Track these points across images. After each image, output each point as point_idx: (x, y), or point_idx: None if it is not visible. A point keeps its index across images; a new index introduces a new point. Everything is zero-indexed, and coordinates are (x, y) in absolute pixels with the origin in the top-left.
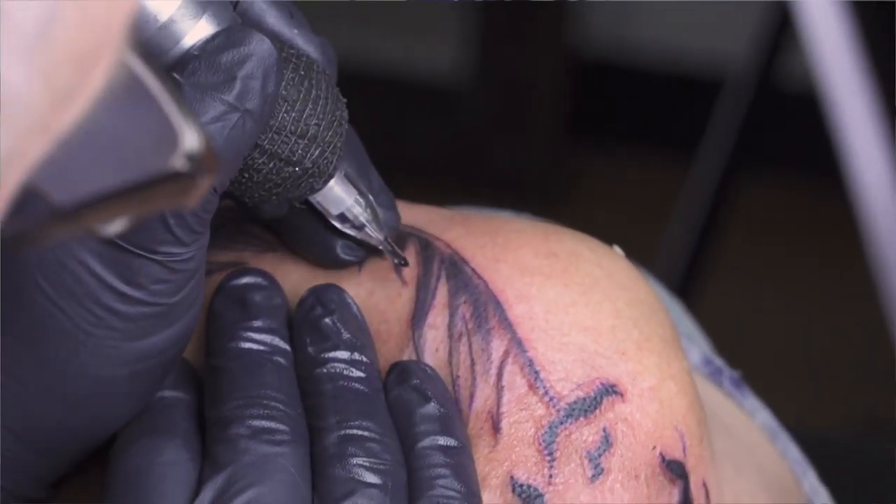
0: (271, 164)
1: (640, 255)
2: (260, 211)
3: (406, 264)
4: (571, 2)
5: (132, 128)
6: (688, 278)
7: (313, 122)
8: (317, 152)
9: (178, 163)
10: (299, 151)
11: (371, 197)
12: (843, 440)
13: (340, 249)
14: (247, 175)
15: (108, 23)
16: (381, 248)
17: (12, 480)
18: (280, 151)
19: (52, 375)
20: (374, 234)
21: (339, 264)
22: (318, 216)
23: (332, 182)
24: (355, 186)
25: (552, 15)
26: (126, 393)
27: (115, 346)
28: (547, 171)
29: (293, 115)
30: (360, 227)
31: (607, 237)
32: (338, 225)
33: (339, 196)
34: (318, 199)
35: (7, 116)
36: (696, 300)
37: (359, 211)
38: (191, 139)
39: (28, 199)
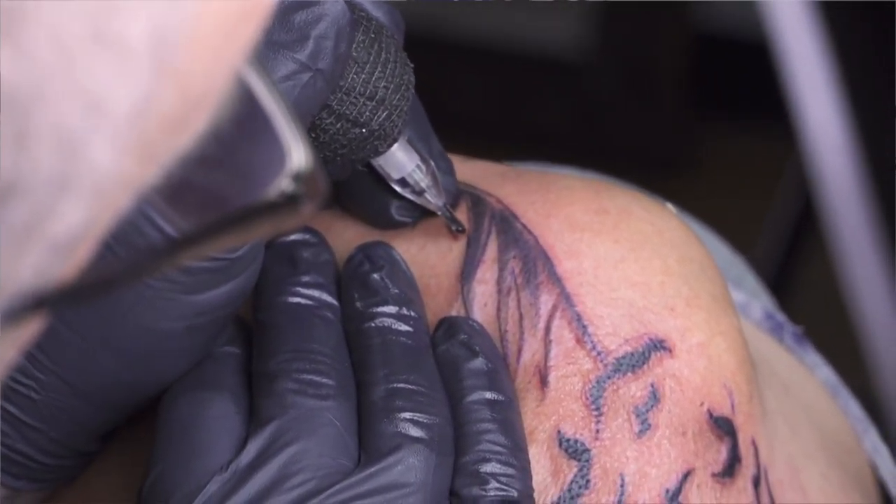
0: (339, 125)
1: (759, 229)
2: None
3: (463, 231)
4: None
5: (242, 146)
6: (791, 252)
7: (382, 84)
8: (384, 115)
9: (285, 183)
10: (367, 113)
11: (432, 162)
12: None
13: (395, 210)
14: (313, 135)
15: (206, 90)
16: (439, 213)
17: (66, 433)
18: (348, 112)
19: (110, 328)
20: (433, 200)
21: (392, 225)
22: (375, 177)
23: (395, 147)
24: (417, 152)
25: None
26: (182, 347)
27: (174, 299)
28: (670, 145)
29: (363, 76)
30: (420, 193)
31: (728, 210)
32: (398, 189)
33: (402, 161)
34: (381, 162)
35: (93, 191)
36: (800, 279)
37: (419, 176)
38: (298, 158)
39: (131, 235)
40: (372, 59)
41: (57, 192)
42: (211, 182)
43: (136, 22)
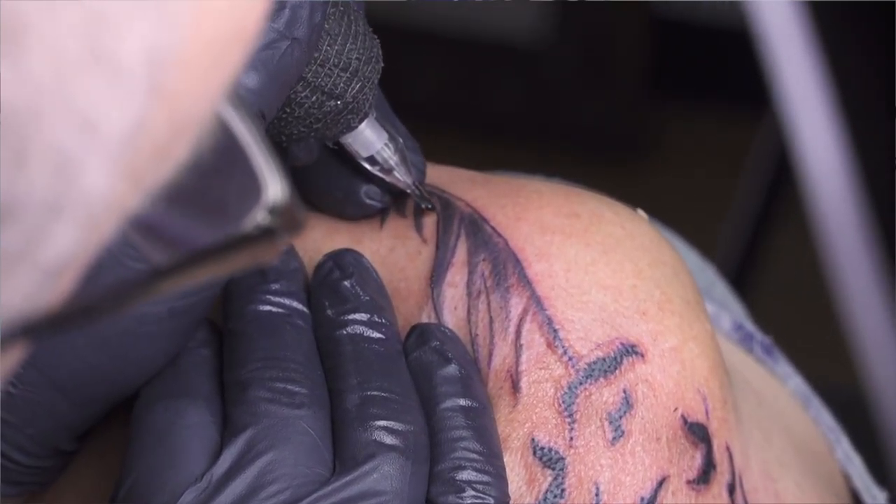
0: (314, 98)
1: (719, 211)
2: (292, 154)
3: (433, 208)
4: None
5: (218, 177)
6: (756, 235)
7: (354, 56)
8: (357, 86)
9: (262, 216)
10: (341, 85)
11: (400, 140)
12: None
13: (364, 194)
14: (288, 110)
15: (192, 116)
16: (408, 191)
17: (44, 429)
18: (323, 84)
19: None
20: (402, 178)
21: (362, 210)
22: (342, 162)
23: (364, 124)
24: (385, 130)
25: None
26: (161, 333)
27: None
28: (627, 129)
29: (336, 48)
30: (389, 171)
31: (686, 194)
32: (367, 167)
33: (370, 138)
34: (349, 140)
35: (85, 216)
36: (764, 261)
37: (388, 154)
38: (275, 191)
39: (111, 264)
40: (343, 30)
41: (50, 215)
42: (188, 213)
43: (131, 41)
